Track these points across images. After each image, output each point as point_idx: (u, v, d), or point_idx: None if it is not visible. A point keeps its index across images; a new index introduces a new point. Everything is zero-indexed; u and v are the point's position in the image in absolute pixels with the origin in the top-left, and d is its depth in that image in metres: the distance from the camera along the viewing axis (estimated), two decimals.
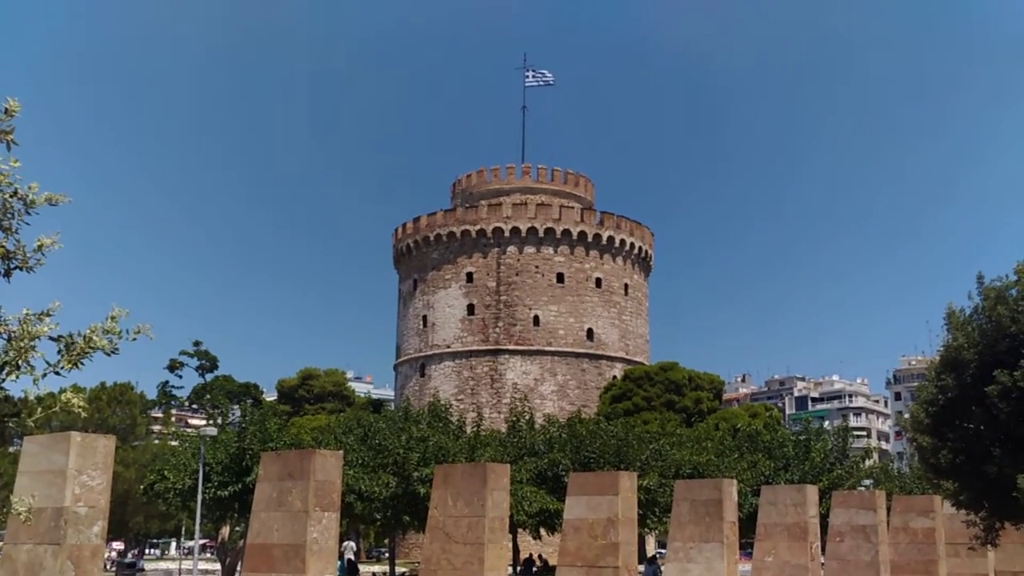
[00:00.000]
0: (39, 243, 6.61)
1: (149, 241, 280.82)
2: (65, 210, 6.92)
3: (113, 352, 7.20)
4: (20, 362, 6.32)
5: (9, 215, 6.53)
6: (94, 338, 6.58)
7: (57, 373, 6.56)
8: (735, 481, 23.56)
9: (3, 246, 6.47)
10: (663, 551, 53.62)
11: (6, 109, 6.37)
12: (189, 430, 67.22)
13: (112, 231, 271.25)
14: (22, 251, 6.58)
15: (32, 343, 6.37)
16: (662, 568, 38.28)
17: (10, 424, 6.81)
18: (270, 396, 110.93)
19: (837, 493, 27.24)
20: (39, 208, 6.80)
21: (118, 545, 78.93)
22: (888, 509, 27.82)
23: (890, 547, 26.78)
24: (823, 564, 25.62)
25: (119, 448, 55.07)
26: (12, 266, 6.56)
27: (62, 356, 6.67)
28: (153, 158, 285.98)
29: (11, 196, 6.60)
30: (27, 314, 6.68)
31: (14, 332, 6.58)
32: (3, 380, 6.37)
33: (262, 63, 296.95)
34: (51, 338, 6.82)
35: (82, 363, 6.70)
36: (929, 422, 24.33)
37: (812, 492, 24.36)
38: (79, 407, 7.02)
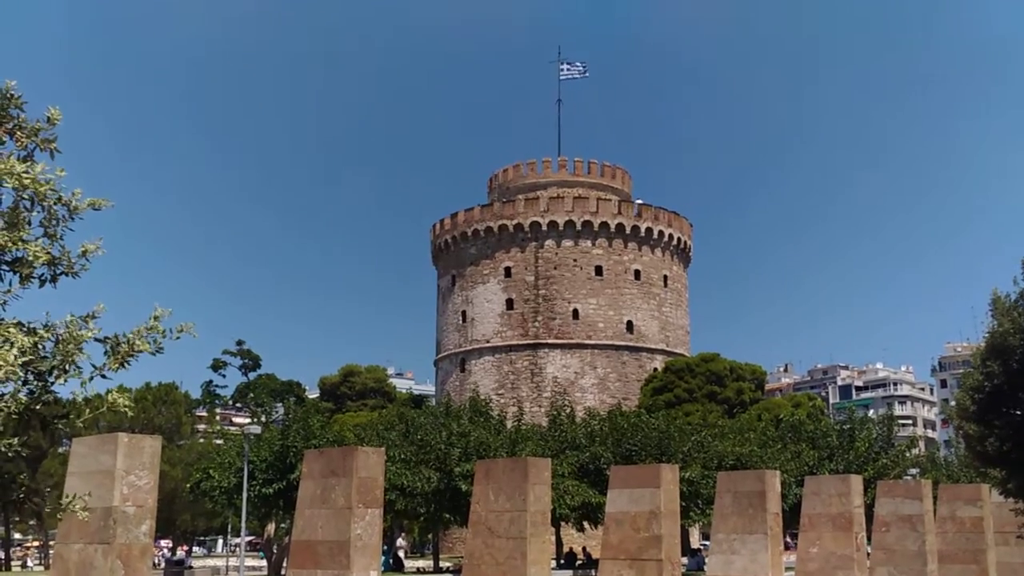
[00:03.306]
0: (83, 249, 6.75)
1: (191, 243, 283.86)
2: (107, 212, 7.05)
3: (158, 351, 7.37)
4: (68, 365, 6.46)
5: (54, 222, 6.68)
6: (138, 342, 6.71)
7: (103, 376, 6.70)
8: (778, 472, 23.42)
9: (49, 252, 6.61)
10: (707, 543, 53.47)
11: (48, 118, 6.50)
12: (233, 429, 67.99)
13: (154, 233, 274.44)
14: (67, 257, 6.72)
15: (78, 347, 6.51)
16: (706, 560, 38.15)
17: (59, 426, 6.95)
18: (312, 393, 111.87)
19: (882, 483, 27.00)
20: (82, 213, 6.94)
21: (166, 543, 79.95)
22: (935, 498, 27.52)
23: (937, 536, 26.50)
24: (869, 554, 25.40)
25: (165, 447, 55.69)
26: (58, 272, 6.70)
27: (108, 358, 6.82)
28: (192, 159, 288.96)
29: (56, 202, 6.74)
30: (72, 318, 6.82)
31: (61, 335, 6.73)
32: (52, 384, 6.52)
33: (298, 63, 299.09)
34: (97, 339, 6.99)
35: (128, 363, 6.83)
36: (975, 409, 24.05)
37: (856, 482, 24.16)
38: (125, 407, 7.16)
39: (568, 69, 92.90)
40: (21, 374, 5.99)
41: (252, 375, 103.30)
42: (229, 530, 75.06)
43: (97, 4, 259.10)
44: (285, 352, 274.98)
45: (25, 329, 6.23)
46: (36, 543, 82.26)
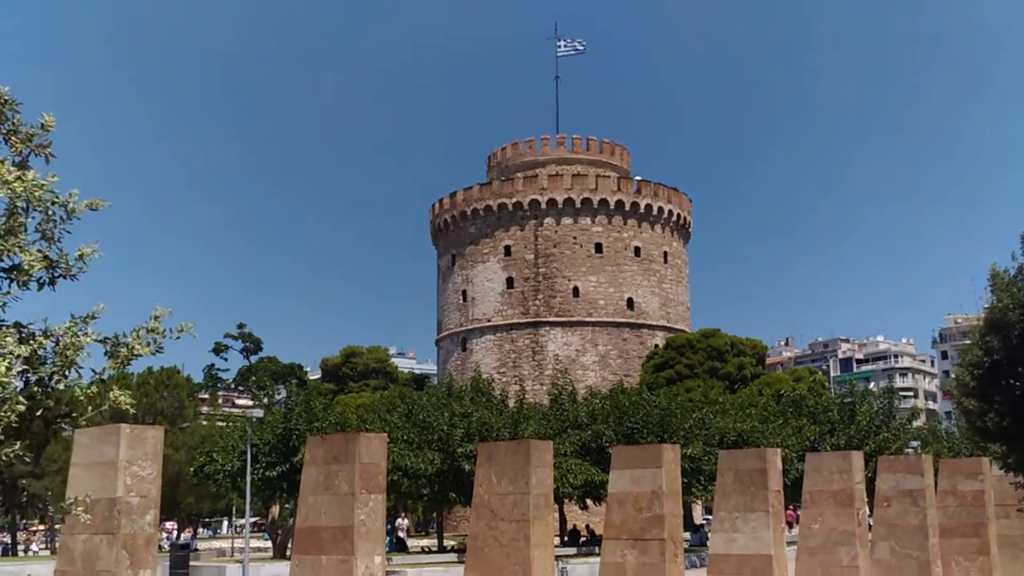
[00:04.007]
0: (80, 252, 6.76)
1: (190, 226, 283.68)
2: (106, 196, 7.05)
3: (157, 352, 7.43)
4: (67, 371, 6.49)
5: (51, 224, 6.68)
6: (136, 346, 6.75)
7: (103, 381, 6.73)
8: (779, 450, 23.49)
9: (47, 255, 6.62)
10: (709, 517, 53.81)
11: (42, 124, 6.49)
12: (236, 410, 68.20)
13: (154, 217, 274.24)
14: (65, 259, 6.73)
15: (77, 352, 6.53)
16: (709, 535, 38.39)
17: (62, 425, 7.00)
18: (314, 375, 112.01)
19: (883, 458, 27.08)
20: (80, 214, 6.95)
21: (171, 525, 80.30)
22: (936, 472, 27.61)
23: (938, 510, 26.59)
24: (871, 527, 25.53)
25: (168, 431, 55.97)
26: (56, 274, 6.72)
27: (109, 359, 6.85)
28: (189, 144, 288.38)
29: (52, 203, 6.74)
30: (73, 320, 6.84)
31: (61, 336, 6.75)
32: (51, 389, 6.54)
33: (295, 45, 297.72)
34: (97, 340, 7.02)
35: (128, 365, 6.88)
36: (975, 385, 24.11)
37: (857, 458, 24.22)
38: (127, 404, 7.22)
39: (565, 45, 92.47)
40: (18, 383, 6.01)
41: (254, 358, 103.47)
42: (234, 512, 75.45)
43: None
44: (286, 334, 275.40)
45: (23, 335, 6.26)
46: (42, 527, 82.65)
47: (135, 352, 6.77)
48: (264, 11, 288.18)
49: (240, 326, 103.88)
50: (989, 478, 28.01)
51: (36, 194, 6.32)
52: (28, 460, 6.47)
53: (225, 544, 65.87)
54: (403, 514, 67.42)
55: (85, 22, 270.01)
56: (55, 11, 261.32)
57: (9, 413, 5.86)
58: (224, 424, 59.99)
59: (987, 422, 23.69)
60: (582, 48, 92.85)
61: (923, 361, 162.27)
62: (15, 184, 6.06)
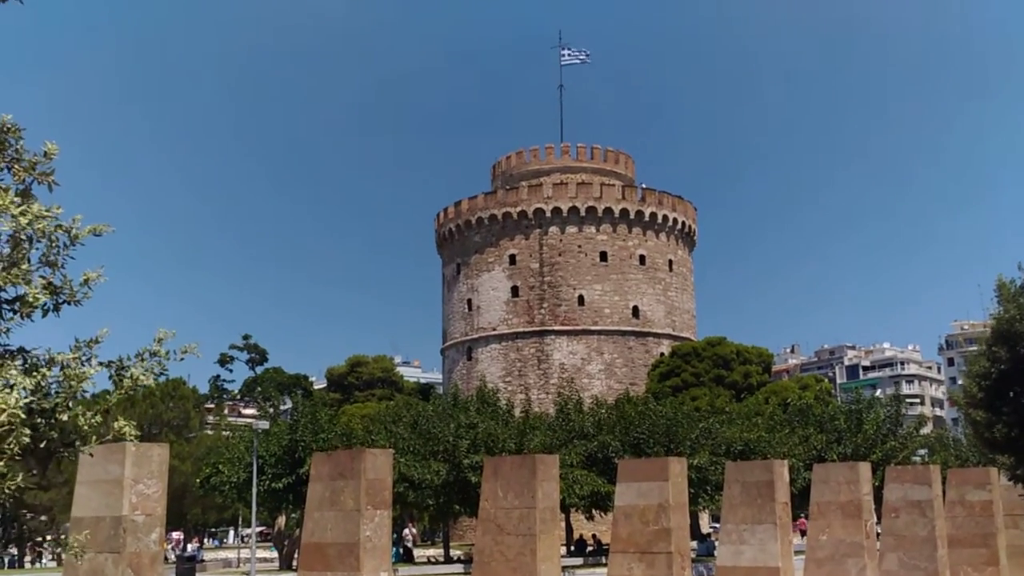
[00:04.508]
0: (85, 277, 6.74)
1: (195, 237, 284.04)
2: (112, 206, 7.03)
3: (162, 374, 7.42)
4: (71, 402, 6.46)
5: (55, 250, 6.65)
6: (140, 376, 6.73)
7: (107, 411, 6.71)
8: (786, 461, 23.40)
9: (50, 282, 6.59)
10: (717, 525, 53.66)
11: (45, 152, 6.46)
12: (241, 420, 68.22)
13: (157, 228, 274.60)
14: (69, 285, 6.71)
15: (82, 382, 6.51)
16: (716, 544, 38.26)
17: (65, 455, 6.98)
18: (319, 385, 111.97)
19: (891, 468, 26.96)
20: (83, 239, 6.92)
21: (177, 535, 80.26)
22: (944, 481, 27.49)
23: (947, 521, 26.47)
24: (879, 535, 25.44)
25: (174, 443, 56.05)
26: (60, 300, 6.69)
27: (114, 386, 6.84)
28: (193, 154, 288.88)
29: (56, 229, 6.72)
30: (77, 344, 6.82)
31: (66, 363, 6.73)
32: (55, 418, 6.52)
33: (300, 54, 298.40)
34: (101, 363, 7.00)
35: (132, 393, 6.86)
36: (982, 396, 24.03)
37: (865, 469, 24.13)
38: (132, 435, 7.22)
39: (569, 54, 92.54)
40: (24, 416, 5.98)
41: (259, 369, 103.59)
42: (240, 522, 75.41)
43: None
44: (292, 345, 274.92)
45: (27, 365, 6.23)
46: (49, 537, 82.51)
47: (139, 382, 6.76)
48: (268, 21, 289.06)
49: (245, 337, 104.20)
50: (997, 488, 27.88)
51: (39, 226, 6.29)
52: (33, 477, 6.44)
53: (231, 554, 65.87)
54: (410, 524, 67.32)
55: (85, 37, 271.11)
56: (55, 24, 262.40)
57: (14, 445, 5.84)
58: (230, 435, 60.04)
59: (995, 433, 23.62)
60: (586, 59, 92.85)
61: (929, 368, 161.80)
62: (20, 217, 6.04)
